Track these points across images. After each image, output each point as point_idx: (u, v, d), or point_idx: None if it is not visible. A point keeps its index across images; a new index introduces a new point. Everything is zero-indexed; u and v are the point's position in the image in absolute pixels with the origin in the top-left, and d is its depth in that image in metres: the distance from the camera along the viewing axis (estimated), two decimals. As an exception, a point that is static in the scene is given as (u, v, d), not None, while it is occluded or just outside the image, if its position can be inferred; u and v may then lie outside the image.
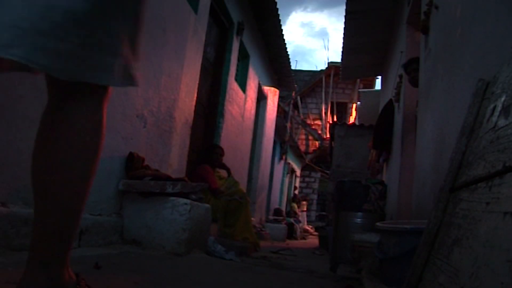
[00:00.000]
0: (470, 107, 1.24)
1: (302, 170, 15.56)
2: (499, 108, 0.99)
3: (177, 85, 3.42)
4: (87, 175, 0.90)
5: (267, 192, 9.05)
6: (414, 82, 3.37)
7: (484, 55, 1.57)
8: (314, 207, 15.95)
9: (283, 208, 11.45)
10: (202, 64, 4.05)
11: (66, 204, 0.87)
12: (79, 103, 0.86)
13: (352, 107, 15.61)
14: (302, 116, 15.70)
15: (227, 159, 4.70)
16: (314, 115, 16.13)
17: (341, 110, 15.80)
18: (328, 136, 11.91)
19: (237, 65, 5.62)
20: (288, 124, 11.11)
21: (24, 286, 0.81)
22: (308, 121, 15.80)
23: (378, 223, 1.95)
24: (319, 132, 15.40)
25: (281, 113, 10.63)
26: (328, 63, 16.09)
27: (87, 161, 0.88)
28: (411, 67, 3.39)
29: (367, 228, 3.00)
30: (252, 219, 5.06)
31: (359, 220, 3.31)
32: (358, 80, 13.74)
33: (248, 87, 6.17)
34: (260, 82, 6.91)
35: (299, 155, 13.85)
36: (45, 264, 0.83)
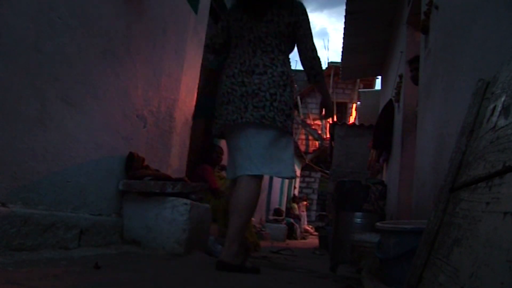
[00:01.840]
0: (470, 107, 1.24)
1: (302, 170, 15.57)
2: (499, 108, 0.99)
3: (177, 85, 3.42)
4: (252, 205, 2.20)
5: (267, 192, 9.05)
6: (415, 80, 3.39)
7: (484, 55, 1.57)
8: (314, 207, 15.95)
9: (283, 208, 11.45)
10: (202, 64, 4.05)
11: (245, 217, 2.17)
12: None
13: (352, 107, 15.61)
14: (302, 116, 15.70)
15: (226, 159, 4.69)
16: (314, 115, 16.12)
17: (341, 110, 15.79)
18: (328, 136, 11.91)
19: (237, 65, 5.61)
20: (288, 124, 11.07)
21: (226, 256, 2.08)
22: (308, 121, 15.79)
23: (378, 223, 1.95)
24: (319, 132, 15.40)
25: (281, 113, 10.60)
26: (328, 63, 16.08)
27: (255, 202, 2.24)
28: (414, 65, 3.41)
29: (367, 228, 3.00)
30: (252, 219, 5.05)
31: (359, 220, 3.30)
32: (358, 80, 13.75)
33: (248, 87, 6.15)
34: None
35: (299, 155, 13.86)
36: (234, 242, 2.10)
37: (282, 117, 2.20)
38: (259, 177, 2.23)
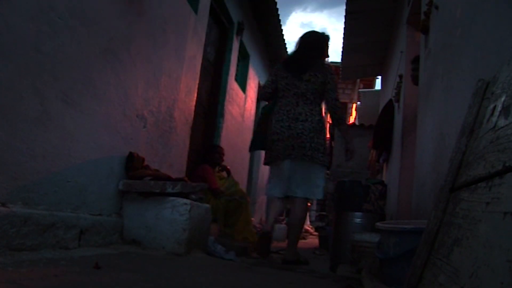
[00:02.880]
0: (470, 107, 1.24)
1: (302, 170, 15.52)
2: (499, 108, 0.99)
3: (177, 85, 3.42)
4: (304, 221, 3.27)
5: (267, 192, 9.01)
6: (415, 80, 3.40)
7: (484, 55, 1.57)
8: (314, 207, 15.92)
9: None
10: (202, 64, 4.05)
11: (299, 229, 3.23)
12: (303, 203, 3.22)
13: (352, 107, 15.59)
14: (302, 116, 15.64)
15: (227, 159, 4.69)
16: (314, 115, 16.06)
17: (341, 110, 15.75)
18: (328, 136, 11.90)
19: (237, 65, 5.61)
20: (288, 124, 11.06)
21: (288, 256, 3.07)
22: (308, 121, 15.71)
23: (378, 223, 1.95)
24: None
25: (281, 113, 10.59)
26: (328, 63, 16.06)
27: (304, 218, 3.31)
28: (415, 65, 3.42)
29: (367, 228, 3.00)
30: (252, 219, 5.05)
31: (359, 220, 3.30)
32: (358, 80, 13.71)
33: (248, 87, 6.16)
34: (260, 82, 6.91)
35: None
36: (293, 246, 3.13)
37: (318, 154, 3.05)
38: (307, 200, 3.15)
